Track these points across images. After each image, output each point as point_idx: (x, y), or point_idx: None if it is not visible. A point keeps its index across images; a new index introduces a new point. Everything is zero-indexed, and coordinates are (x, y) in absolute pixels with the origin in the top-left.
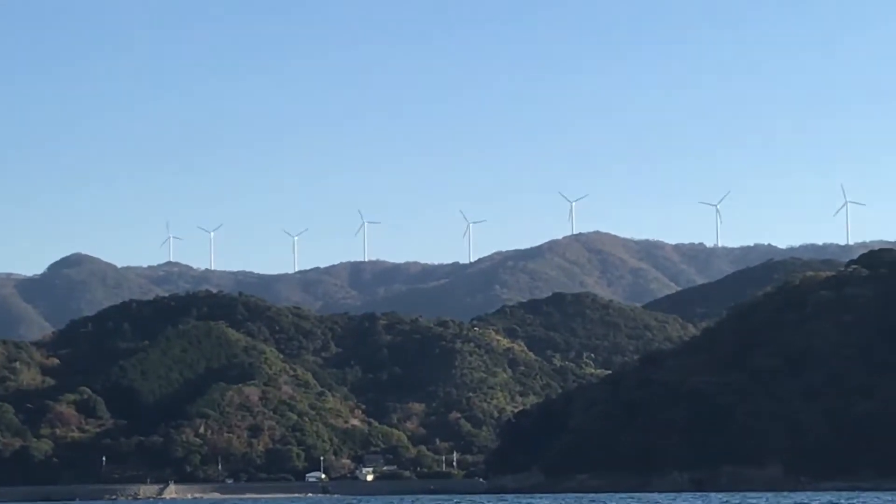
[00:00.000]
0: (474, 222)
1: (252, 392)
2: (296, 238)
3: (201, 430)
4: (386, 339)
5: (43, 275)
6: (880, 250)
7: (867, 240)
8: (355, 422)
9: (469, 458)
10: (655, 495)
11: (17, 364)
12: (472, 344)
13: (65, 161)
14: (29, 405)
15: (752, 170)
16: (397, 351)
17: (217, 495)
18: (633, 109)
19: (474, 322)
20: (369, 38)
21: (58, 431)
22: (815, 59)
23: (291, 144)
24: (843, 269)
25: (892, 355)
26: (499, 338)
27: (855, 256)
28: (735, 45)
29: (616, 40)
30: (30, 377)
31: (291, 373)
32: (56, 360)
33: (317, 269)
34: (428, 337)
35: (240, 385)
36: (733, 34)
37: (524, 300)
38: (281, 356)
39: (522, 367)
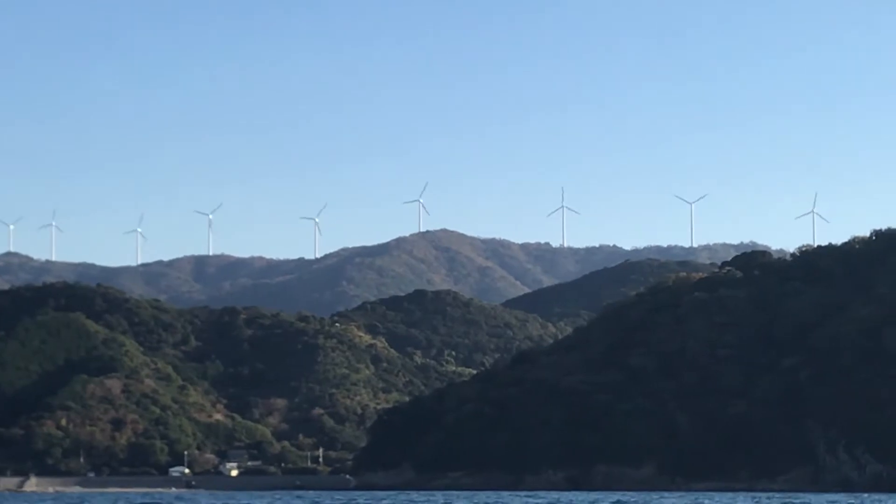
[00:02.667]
0: (321, 217)
1: (114, 385)
2: (139, 230)
3: (63, 422)
4: (247, 334)
5: None
6: (753, 252)
7: (711, 242)
8: (218, 416)
9: (333, 454)
10: (526, 493)
11: None
12: (334, 340)
13: None
14: None
15: (597, 171)
16: (258, 345)
17: (79, 489)
18: (480, 109)
19: (335, 318)
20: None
21: None
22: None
23: (137, 133)
24: (716, 270)
25: (766, 357)
26: (361, 334)
27: (699, 258)
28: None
29: (478, 49)
30: None
31: (153, 366)
32: None
33: (160, 262)
34: (289, 332)
35: (101, 377)
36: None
37: (372, 297)
38: (141, 349)
39: (385, 364)
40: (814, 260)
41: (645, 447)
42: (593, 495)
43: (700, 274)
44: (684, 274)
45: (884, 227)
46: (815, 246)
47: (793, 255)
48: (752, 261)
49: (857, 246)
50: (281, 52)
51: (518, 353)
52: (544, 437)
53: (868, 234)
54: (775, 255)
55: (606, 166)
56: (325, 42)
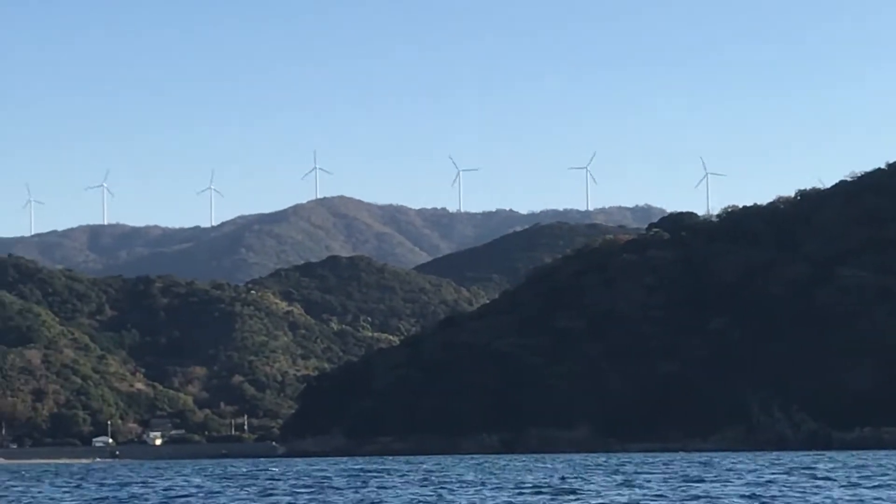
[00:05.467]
0: (216, 185)
1: (33, 355)
2: (32, 200)
3: None
4: (163, 302)
5: None
6: (681, 213)
7: (606, 206)
8: (139, 385)
9: (255, 421)
10: (460, 457)
11: None
12: (251, 307)
13: None
14: None
15: (493, 134)
16: (174, 314)
17: (2, 460)
18: (376, 72)
19: (250, 285)
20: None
21: None
22: (558, 21)
23: (30, 101)
24: (644, 231)
25: (695, 318)
26: (276, 301)
27: (595, 221)
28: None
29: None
30: None
31: (70, 336)
32: None
33: (55, 232)
34: (205, 300)
35: (20, 348)
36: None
37: (272, 265)
38: (57, 319)
39: (303, 331)
40: (740, 220)
41: (578, 409)
42: (528, 458)
43: (628, 236)
44: (611, 236)
45: (797, 187)
46: (741, 207)
47: (718, 215)
48: (679, 222)
49: (782, 206)
50: (189, 8)
51: (445, 318)
52: (477, 401)
53: (793, 195)
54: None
55: (502, 130)
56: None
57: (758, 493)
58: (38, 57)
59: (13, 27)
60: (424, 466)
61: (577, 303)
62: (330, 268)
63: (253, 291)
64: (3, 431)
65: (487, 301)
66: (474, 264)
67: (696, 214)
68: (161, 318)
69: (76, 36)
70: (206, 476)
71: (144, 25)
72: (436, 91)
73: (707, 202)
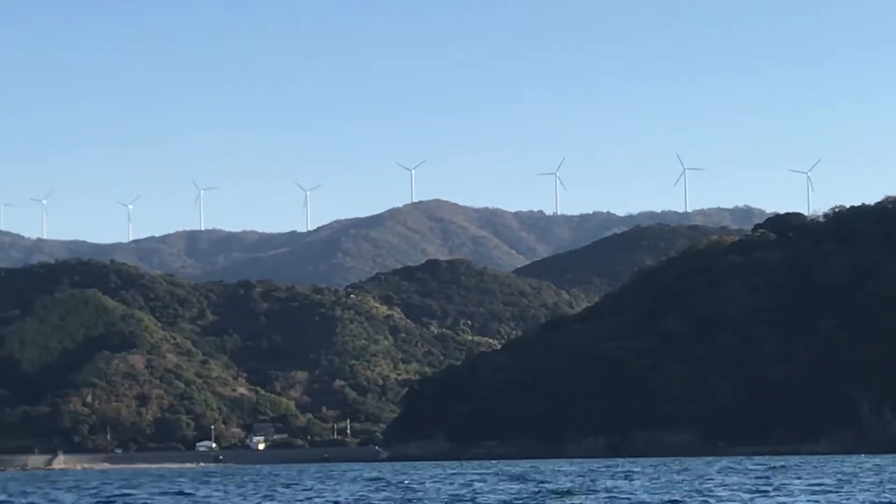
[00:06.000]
0: (312, 190)
1: (137, 360)
2: (130, 206)
3: (89, 399)
4: (263, 307)
5: None
6: (787, 214)
7: (704, 207)
8: (242, 390)
9: (357, 426)
10: (567, 461)
11: None
12: (351, 311)
13: None
14: None
15: (589, 137)
16: (275, 318)
17: (107, 465)
18: (470, 77)
19: (349, 289)
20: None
21: None
22: (654, 24)
23: (124, 109)
24: (748, 232)
25: (803, 320)
26: (377, 305)
27: (694, 223)
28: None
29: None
30: None
31: (172, 341)
32: None
33: (152, 237)
34: (305, 304)
35: (124, 353)
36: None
37: (368, 269)
38: (159, 324)
39: (403, 335)
40: (847, 220)
41: (685, 412)
42: (635, 461)
43: (732, 237)
44: (715, 238)
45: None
46: (848, 207)
47: (825, 216)
48: (786, 223)
49: (890, 206)
50: (274, 22)
51: (548, 321)
52: (581, 405)
53: None
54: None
55: (597, 133)
56: (319, 10)
57: None
58: (134, 61)
59: (116, 30)
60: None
61: (682, 305)
62: (429, 271)
63: (353, 296)
64: (108, 436)
65: (588, 304)
66: (573, 267)
67: (802, 215)
68: (262, 322)
69: (180, 36)
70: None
71: (245, 26)
72: (530, 91)
73: (807, 202)
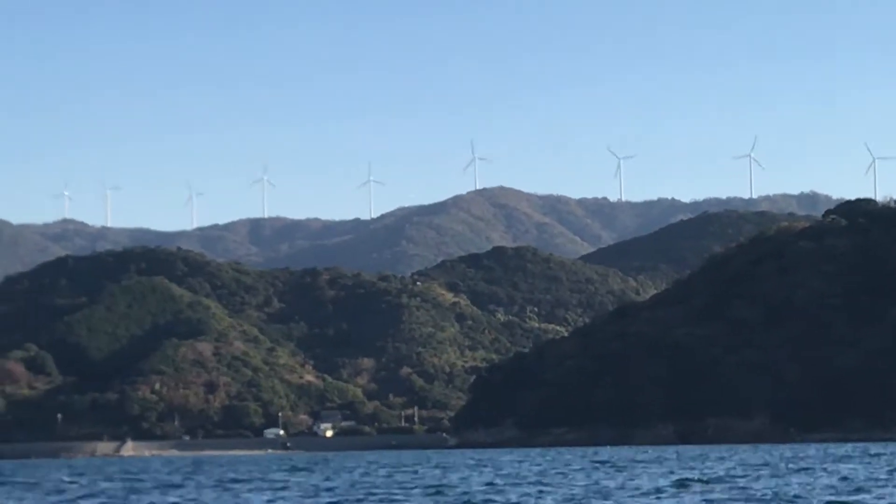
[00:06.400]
0: (375, 177)
1: (205, 348)
2: (194, 195)
3: (157, 386)
4: (329, 294)
5: None
6: (857, 200)
7: (770, 193)
8: (309, 377)
9: (425, 413)
10: (638, 448)
11: None
12: (417, 298)
13: None
14: None
15: (654, 123)
16: (342, 306)
17: (175, 452)
18: (531, 61)
19: (415, 276)
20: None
21: (8, 389)
22: (715, 12)
23: (189, 98)
24: (820, 219)
25: (874, 306)
26: (443, 292)
27: (760, 209)
28: None
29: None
30: None
31: (239, 328)
32: None
33: (216, 225)
34: (372, 291)
35: (192, 341)
36: None
37: (432, 256)
38: (226, 311)
39: (470, 322)
40: None
41: (755, 399)
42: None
43: (802, 223)
44: (786, 224)
45: None
46: None
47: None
48: (856, 209)
49: None
50: (330, 11)
51: (617, 308)
52: (651, 391)
53: None
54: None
55: (662, 118)
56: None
57: None
58: (200, 55)
59: (177, 26)
60: None
61: (752, 291)
62: (495, 258)
63: (419, 283)
64: (177, 423)
65: (655, 291)
66: (639, 254)
67: (873, 201)
68: (328, 310)
69: (238, 30)
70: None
71: (303, 19)
72: (593, 79)
73: (874, 188)
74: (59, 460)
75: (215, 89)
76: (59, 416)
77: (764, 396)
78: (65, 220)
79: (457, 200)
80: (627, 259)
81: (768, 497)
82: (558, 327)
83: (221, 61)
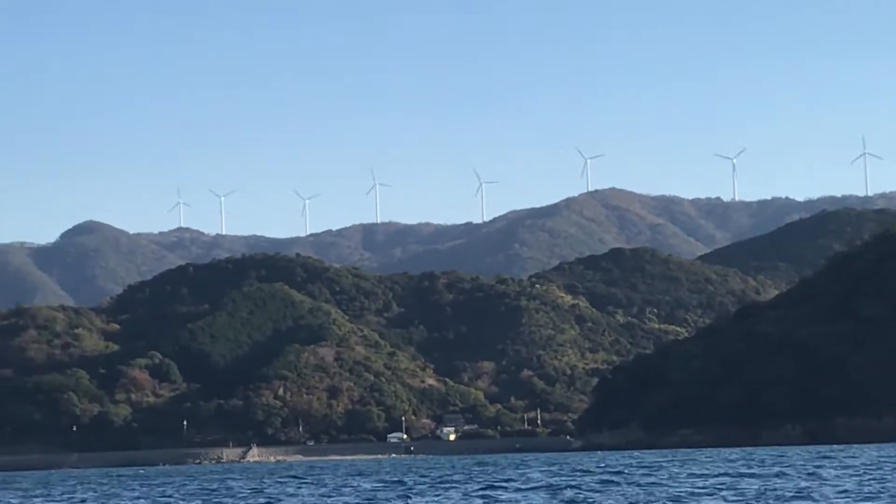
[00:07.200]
0: (487, 181)
1: (327, 353)
2: (307, 201)
3: (280, 392)
4: (448, 298)
5: (56, 242)
6: None
7: (887, 190)
8: (431, 381)
9: (547, 415)
10: (768, 449)
11: (80, 330)
12: (536, 301)
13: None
14: (101, 370)
15: (766, 122)
16: (460, 309)
17: (300, 457)
18: (646, 65)
19: (533, 279)
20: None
21: (133, 396)
22: (826, 8)
23: (300, 107)
24: None
25: None
26: (562, 294)
27: (876, 207)
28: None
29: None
30: (92, 343)
31: (360, 333)
32: (116, 326)
33: (329, 231)
34: (490, 295)
35: (314, 346)
36: None
37: (545, 259)
38: (346, 317)
39: (590, 324)
40: None
41: (886, 397)
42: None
43: None
44: None
45: None
46: None
47: None
48: None
49: None
50: (449, 9)
51: (741, 308)
52: (778, 391)
53: None
54: None
55: (781, 117)
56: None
57: None
58: (306, 61)
59: (294, 23)
60: None
61: (879, 289)
62: (613, 260)
63: (538, 286)
64: (301, 429)
65: (776, 290)
66: (757, 253)
67: None
68: (447, 313)
69: (331, 31)
70: None
71: (422, 15)
72: (703, 76)
73: None
74: (185, 467)
75: (327, 95)
76: (185, 422)
77: (894, 395)
78: (180, 229)
79: (569, 202)
80: (745, 259)
81: None
82: (678, 328)
83: (334, 66)
